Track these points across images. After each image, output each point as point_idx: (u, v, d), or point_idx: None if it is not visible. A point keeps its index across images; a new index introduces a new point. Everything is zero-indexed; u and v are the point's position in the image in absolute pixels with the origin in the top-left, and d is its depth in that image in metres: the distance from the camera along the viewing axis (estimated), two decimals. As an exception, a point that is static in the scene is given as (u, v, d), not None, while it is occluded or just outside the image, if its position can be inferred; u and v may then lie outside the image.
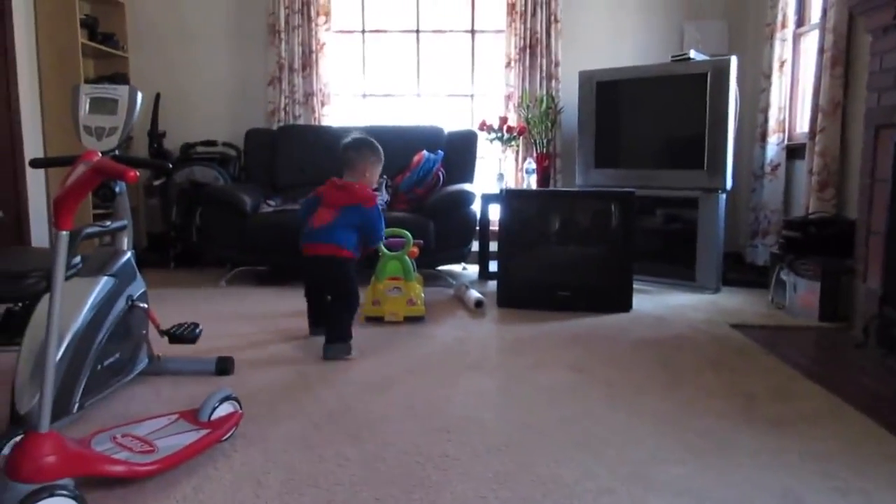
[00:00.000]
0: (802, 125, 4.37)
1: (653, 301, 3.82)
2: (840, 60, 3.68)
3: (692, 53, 4.23)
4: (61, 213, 1.45)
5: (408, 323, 3.25)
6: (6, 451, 1.51)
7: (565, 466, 1.74)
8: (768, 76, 4.48)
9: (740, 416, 2.10)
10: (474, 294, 3.62)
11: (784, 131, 4.45)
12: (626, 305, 3.58)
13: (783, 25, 4.41)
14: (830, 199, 3.75)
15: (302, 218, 2.98)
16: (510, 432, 1.97)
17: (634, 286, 3.65)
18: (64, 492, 1.36)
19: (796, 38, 4.45)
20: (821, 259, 3.38)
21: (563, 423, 2.04)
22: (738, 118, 4.11)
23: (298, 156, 4.82)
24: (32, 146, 4.46)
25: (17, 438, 1.50)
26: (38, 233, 4.50)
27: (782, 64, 4.43)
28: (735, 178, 4.18)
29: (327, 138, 4.87)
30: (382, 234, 2.97)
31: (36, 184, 4.49)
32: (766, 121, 4.48)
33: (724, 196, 4.05)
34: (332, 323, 2.76)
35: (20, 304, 2.91)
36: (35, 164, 2.53)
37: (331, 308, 2.82)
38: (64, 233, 1.45)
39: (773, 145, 4.45)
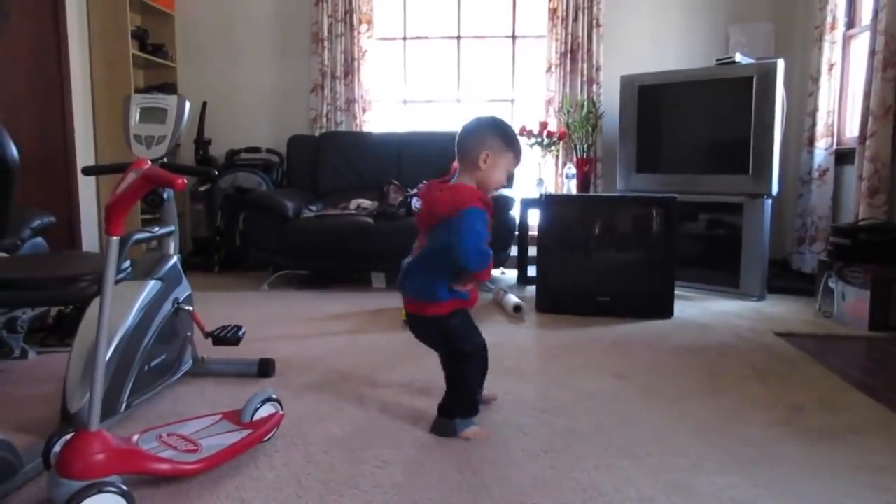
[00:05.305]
0: (852, 129, 4.26)
1: (695, 308, 3.76)
2: (892, 63, 3.58)
3: (737, 57, 4.15)
4: (112, 219, 1.49)
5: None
6: (57, 448, 1.56)
7: (605, 474, 1.72)
8: (816, 79, 4.38)
9: (787, 427, 2.05)
10: (513, 299, 3.62)
11: (833, 136, 4.35)
12: (667, 312, 3.53)
13: (832, 27, 4.31)
14: (881, 206, 3.64)
15: None
16: (550, 438, 1.96)
17: (676, 292, 3.60)
18: (112, 489, 1.40)
19: (846, 41, 4.35)
20: (871, 266, 3.29)
21: (603, 430, 2.02)
22: (784, 122, 4.03)
23: (340, 162, 4.89)
24: (84, 154, 4.61)
25: (68, 436, 1.54)
26: (89, 237, 4.64)
27: (831, 67, 4.33)
28: (781, 184, 4.09)
29: (368, 144, 4.95)
30: (474, 254, 1.83)
31: (87, 190, 4.64)
32: (814, 125, 4.38)
33: (769, 201, 3.97)
34: (446, 389, 2.04)
35: (71, 307, 3.00)
36: (87, 171, 2.62)
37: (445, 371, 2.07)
38: (115, 238, 1.49)
39: (822, 150, 4.35)
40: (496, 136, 1.93)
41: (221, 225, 4.95)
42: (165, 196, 2.42)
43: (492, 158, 1.91)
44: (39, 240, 3.05)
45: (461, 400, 1.99)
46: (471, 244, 1.82)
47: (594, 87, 4.93)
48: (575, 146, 4.88)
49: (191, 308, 2.39)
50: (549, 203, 3.78)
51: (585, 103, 4.86)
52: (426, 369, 2.61)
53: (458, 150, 1.97)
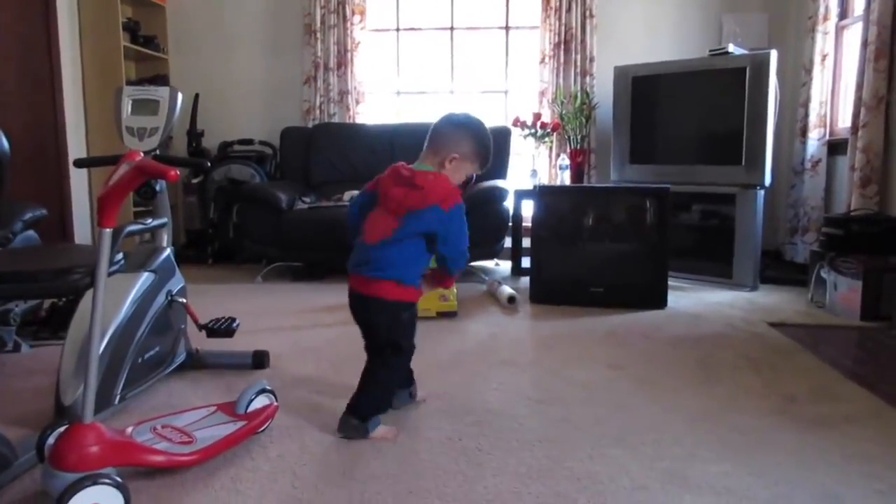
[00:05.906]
0: (844, 120, 4.27)
1: (688, 298, 3.77)
2: (884, 53, 3.59)
3: (731, 47, 4.16)
4: (105, 211, 1.48)
5: (440, 318, 3.25)
6: (51, 440, 1.56)
7: (600, 463, 1.73)
8: (809, 70, 4.39)
9: (780, 416, 2.06)
10: (507, 290, 3.62)
11: (825, 126, 4.36)
12: (660, 302, 3.54)
13: (825, 18, 4.32)
14: (873, 196, 3.66)
15: (352, 222, 2.00)
16: (544, 428, 1.96)
17: (669, 283, 3.61)
18: (106, 480, 1.40)
19: (839, 31, 4.36)
20: (863, 257, 3.30)
21: (597, 420, 2.02)
22: (777, 113, 4.03)
23: (333, 153, 4.88)
24: (76, 146, 4.58)
25: (62, 429, 1.54)
26: (81, 230, 4.62)
27: (824, 57, 4.33)
28: (774, 174, 4.10)
29: (361, 136, 4.93)
30: (464, 259, 1.91)
31: (79, 183, 4.62)
32: (806, 115, 4.40)
33: (762, 192, 3.97)
34: (359, 385, 1.93)
35: (64, 300, 2.99)
36: (79, 163, 2.61)
37: (365, 365, 1.95)
38: (107, 230, 1.49)
39: (814, 140, 4.36)
40: (470, 143, 1.96)
41: (215, 217, 4.93)
42: (158, 188, 2.40)
43: (457, 162, 1.94)
44: (31, 233, 3.04)
45: (379, 398, 1.94)
46: (463, 248, 1.89)
47: (588, 77, 4.93)
48: (569, 137, 4.88)
49: (184, 300, 2.38)
50: (543, 194, 3.78)
51: (579, 94, 4.85)
52: (418, 361, 2.61)
53: (432, 136, 1.99)
